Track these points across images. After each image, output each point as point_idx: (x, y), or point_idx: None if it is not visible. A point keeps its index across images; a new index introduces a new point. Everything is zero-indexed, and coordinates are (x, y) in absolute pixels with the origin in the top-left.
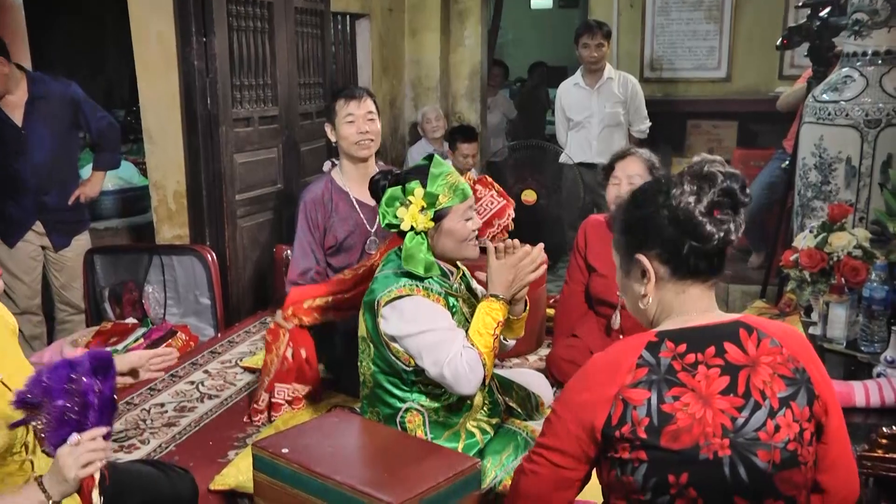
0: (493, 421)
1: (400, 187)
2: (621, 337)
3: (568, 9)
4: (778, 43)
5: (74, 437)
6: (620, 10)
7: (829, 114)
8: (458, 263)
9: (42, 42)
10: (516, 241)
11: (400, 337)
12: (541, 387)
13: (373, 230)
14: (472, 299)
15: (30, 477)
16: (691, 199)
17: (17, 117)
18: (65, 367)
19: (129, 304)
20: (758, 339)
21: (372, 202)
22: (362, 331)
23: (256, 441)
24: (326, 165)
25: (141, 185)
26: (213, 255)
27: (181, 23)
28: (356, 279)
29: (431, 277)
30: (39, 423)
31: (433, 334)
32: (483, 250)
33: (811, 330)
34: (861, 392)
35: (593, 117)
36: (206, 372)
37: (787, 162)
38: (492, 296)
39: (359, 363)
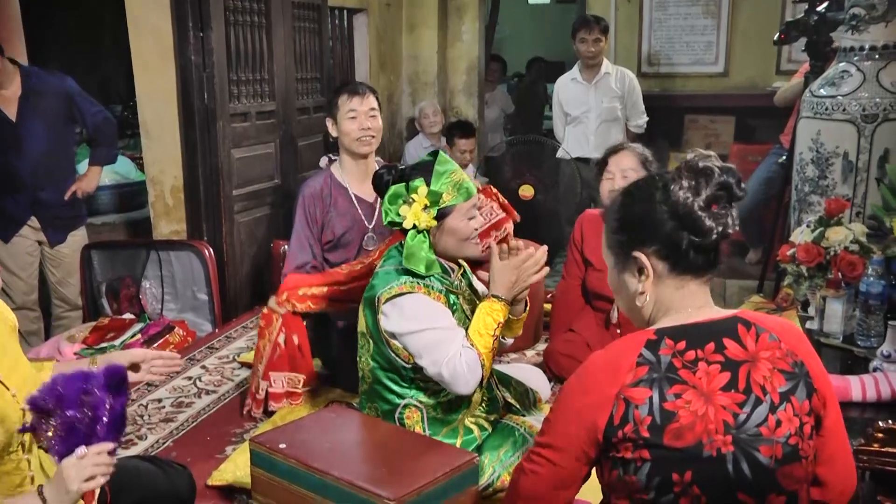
0: (492, 417)
1: (403, 185)
2: (619, 332)
3: (566, 4)
4: (775, 38)
5: (81, 449)
6: (618, 4)
7: (827, 108)
8: (460, 260)
9: (38, 37)
10: (521, 242)
11: (400, 334)
12: (539, 382)
13: (371, 226)
14: (473, 296)
15: (26, 476)
16: (690, 193)
17: (11, 112)
18: (80, 379)
19: (127, 299)
20: (756, 334)
21: (371, 198)
22: (362, 326)
23: (254, 436)
24: (323, 161)
25: (138, 181)
26: (211, 250)
27: (178, 17)
28: (353, 274)
29: (432, 275)
30: (49, 430)
31: (433, 333)
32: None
33: (808, 324)
34: (857, 386)
35: (591, 112)
36: (203, 367)
37: (784, 157)
38: (493, 296)
39: (358, 358)
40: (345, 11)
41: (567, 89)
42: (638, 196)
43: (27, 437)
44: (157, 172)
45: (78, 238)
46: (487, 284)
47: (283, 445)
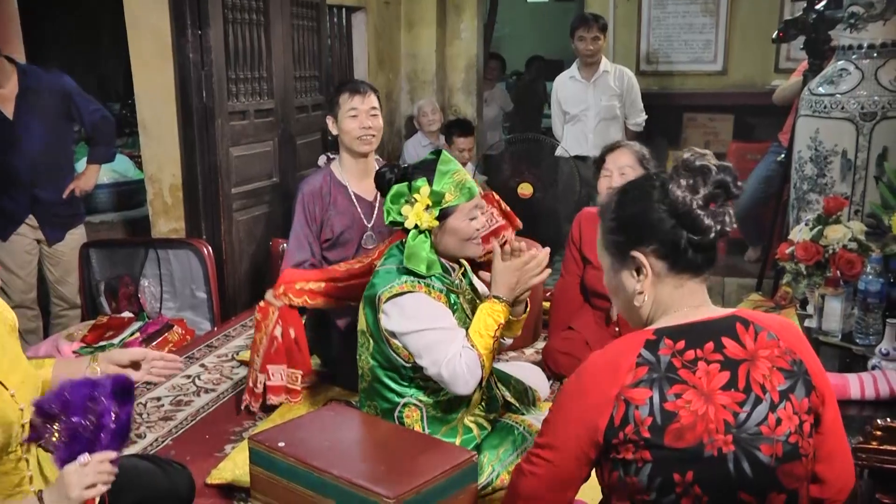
0: (491, 416)
1: (406, 184)
2: (618, 330)
3: (564, 2)
4: (774, 36)
5: (84, 457)
6: (616, 2)
7: (825, 107)
8: (460, 259)
9: (37, 35)
10: (523, 244)
11: (400, 333)
12: (538, 380)
13: (370, 225)
14: (473, 295)
15: (24, 476)
16: (688, 192)
17: (8, 110)
18: (87, 386)
19: (125, 298)
20: (755, 332)
21: (370, 197)
22: (362, 325)
23: (253, 435)
24: (321, 159)
25: (136, 179)
26: (209, 248)
27: (176, 15)
28: (351, 272)
29: (433, 275)
30: (53, 435)
31: (433, 333)
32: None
33: (807, 323)
34: (856, 384)
35: (589, 110)
36: (202, 366)
37: (782, 155)
38: (495, 297)
39: (357, 357)
40: (343, 9)
41: (566, 87)
42: (635, 196)
43: (26, 436)
44: (156, 171)
45: (76, 236)
46: (489, 285)
47: (282, 444)
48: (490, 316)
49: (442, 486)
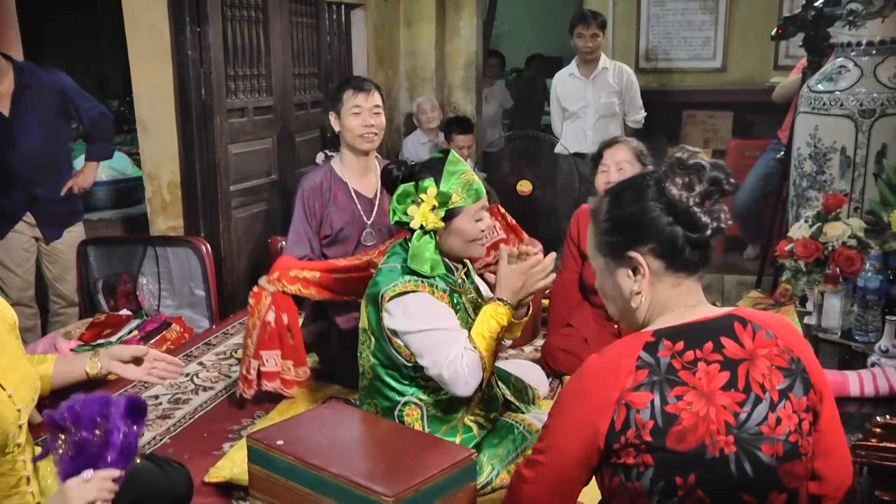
0: (491, 415)
1: (413, 184)
2: (616, 327)
3: None
4: (773, 33)
5: (88, 472)
6: (615, 0)
7: (824, 104)
8: (464, 259)
9: (35, 33)
10: (530, 247)
11: (402, 333)
12: (537, 378)
13: (369, 222)
14: (476, 295)
15: (21, 476)
16: (685, 190)
17: (5, 107)
18: (100, 402)
19: (123, 295)
20: (753, 331)
21: (370, 194)
22: (364, 323)
23: (251, 433)
24: (319, 157)
25: (135, 176)
26: (208, 246)
27: (175, 12)
28: (348, 266)
29: (436, 276)
30: (59, 448)
31: (435, 334)
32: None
33: (806, 320)
34: (855, 382)
35: (589, 107)
36: (200, 364)
37: (782, 152)
38: (499, 299)
39: (358, 354)
40: (342, 7)
41: (565, 84)
42: (629, 196)
43: (23, 437)
44: (154, 168)
45: (75, 234)
46: (493, 286)
47: (280, 442)
48: (493, 318)
49: (441, 485)
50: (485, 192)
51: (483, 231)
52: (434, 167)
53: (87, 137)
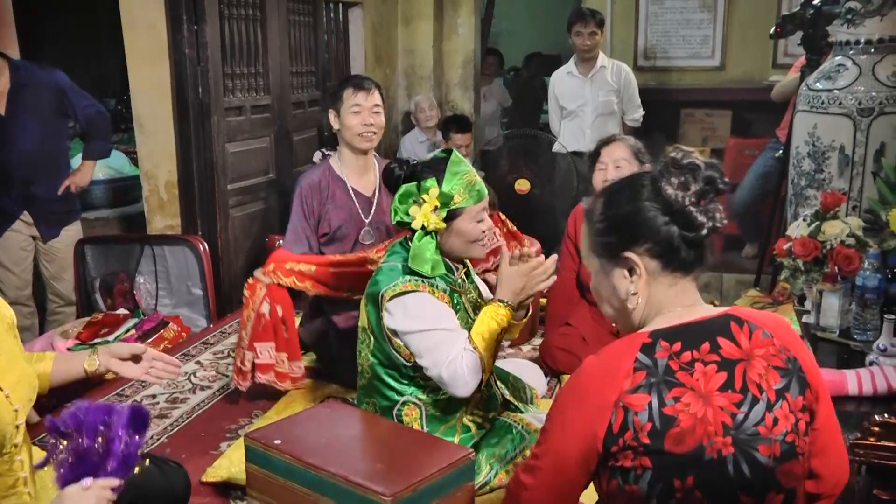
0: (490, 415)
1: (415, 184)
2: (615, 325)
3: None
4: (771, 31)
5: (87, 480)
6: None
7: (823, 102)
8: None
9: (32, 31)
10: (532, 249)
11: (402, 332)
12: (535, 377)
13: (367, 221)
14: (475, 294)
15: (19, 477)
16: (680, 189)
17: (1, 106)
18: (103, 411)
19: (121, 294)
20: (749, 331)
21: (368, 193)
22: (363, 321)
23: (249, 432)
24: (317, 156)
25: (132, 175)
26: (205, 245)
27: (172, 11)
28: (344, 262)
29: (437, 276)
30: (60, 454)
31: (435, 334)
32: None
33: (805, 318)
34: (854, 380)
35: (587, 106)
36: (198, 363)
37: (780, 151)
38: (499, 300)
39: (357, 353)
40: (340, 5)
41: (563, 83)
42: (624, 196)
43: (20, 437)
44: (151, 167)
45: (72, 233)
46: (494, 287)
47: (278, 441)
48: (493, 319)
49: (439, 484)
50: (486, 192)
51: (484, 232)
52: (436, 167)
53: (84, 136)
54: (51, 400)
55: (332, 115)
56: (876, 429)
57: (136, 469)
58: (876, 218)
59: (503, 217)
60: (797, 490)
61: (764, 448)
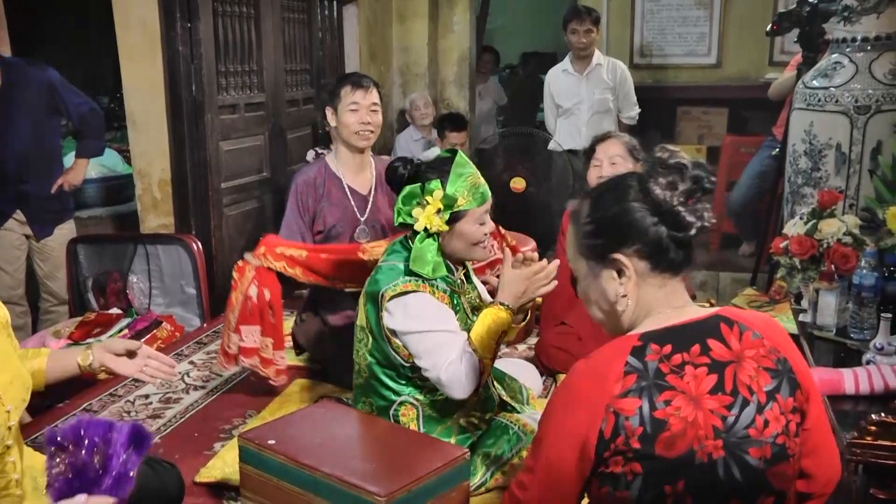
0: (486, 416)
1: (419, 185)
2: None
3: None
4: (768, 29)
5: (82, 497)
6: None
7: (819, 100)
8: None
9: (23, 28)
10: (535, 253)
11: (402, 333)
12: (530, 377)
13: (363, 219)
14: (474, 296)
15: (11, 479)
16: (669, 189)
17: None
18: (104, 427)
19: (114, 294)
20: (739, 332)
21: (364, 191)
22: (362, 321)
23: (243, 432)
24: (310, 155)
25: (125, 173)
26: (199, 244)
27: (165, 7)
28: (336, 250)
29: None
30: (55, 467)
31: (435, 335)
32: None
33: (801, 317)
34: (850, 379)
35: (582, 104)
36: (191, 363)
37: (777, 150)
38: (500, 303)
39: (355, 352)
40: (334, 2)
41: (558, 81)
42: (612, 197)
43: (13, 438)
44: (145, 165)
45: (65, 231)
46: (495, 290)
47: (272, 441)
48: (494, 321)
49: (434, 484)
50: (490, 194)
51: (486, 234)
52: (440, 168)
53: (77, 134)
54: (43, 401)
55: (329, 112)
56: (872, 428)
57: (130, 490)
58: (873, 216)
59: (503, 231)
60: (788, 491)
61: (754, 451)
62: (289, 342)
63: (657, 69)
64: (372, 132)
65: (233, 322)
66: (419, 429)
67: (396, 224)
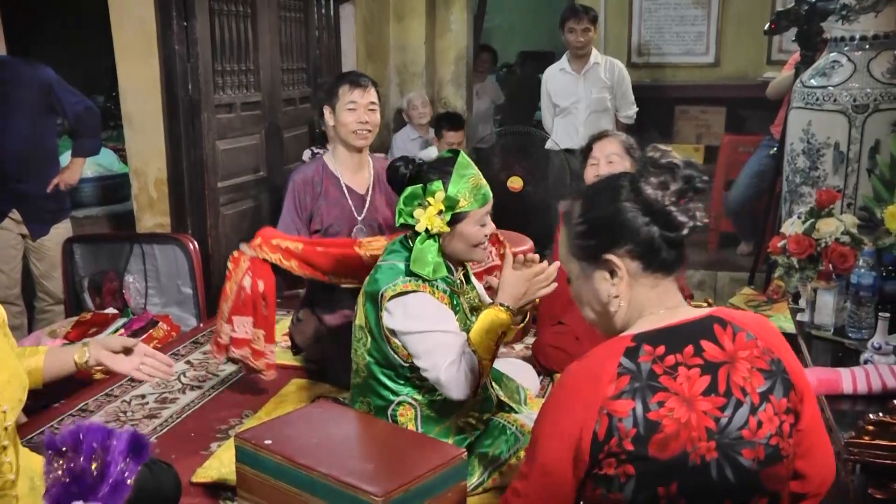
0: (485, 416)
1: (421, 186)
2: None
3: None
4: (766, 28)
5: None
6: None
7: (817, 99)
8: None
9: (19, 27)
10: (536, 255)
11: (401, 333)
12: (528, 377)
13: (360, 218)
14: (472, 296)
15: (7, 479)
16: (660, 189)
17: None
18: (103, 433)
19: (110, 293)
20: (733, 333)
21: (362, 190)
22: (361, 320)
23: (239, 432)
24: (306, 154)
25: (121, 173)
26: (195, 243)
27: (161, 6)
28: (333, 243)
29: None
30: (52, 472)
31: (435, 336)
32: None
33: (799, 317)
34: (848, 379)
35: (580, 103)
36: (188, 362)
37: (774, 149)
38: (500, 304)
39: (353, 352)
40: (331, 1)
41: (556, 80)
42: (603, 197)
43: (8, 439)
44: (141, 164)
45: (62, 231)
46: (495, 291)
47: (268, 441)
48: (494, 322)
49: (431, 484)
50: (491, 196)
51: (486, 235)
52: (442, 168)
53: (73, 133)
54: (38, 401)
55: (327, 111)
56: (870, 427)
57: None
58: (871, 215)
59: (501, 237)
60: (782, 492)
61: (748, 452)
62: (286, 342)
63: (655, 68)
64: (370, 131)
65: (226, 312)
66: (417, 429)
67: (398, 225)
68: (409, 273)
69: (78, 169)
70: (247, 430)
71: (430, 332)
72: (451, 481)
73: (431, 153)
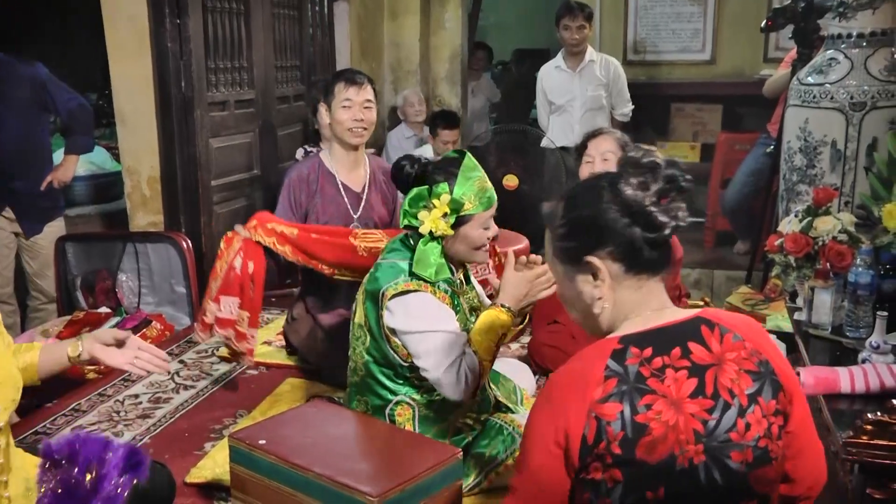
0: (482, 417)
1: (426, 187)
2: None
3: None
4: (762, 25)
5: None
6: None
7: (814, 96)
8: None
9: (12, 25)
10: (539, 257)
11: (402, 332)
12: (524, 376)
13: (356, 216)
14: (472, 296)
15: (1, 481)
16: (640, 190)
17: None
18: (100, 445)
19: (103, 292)
20: (720, 334)
21: (358, 188)
22: (360, 319)
23: (233, 432)
24: (299, 153)
25: (114, 171)
26: (189, 242)
27: (154, 4)
28: (328, 231)
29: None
30: (47, 481)
31: (436, 336)
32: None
33: (796, 315)
34: (846, 378)
35: (575, 101)
36: (181, 362)
37: (771, 147)
38: (501, 305)
39: (351, 350)
40: None
41: (551, 77)
42: (584, 199)
43: (3, 440)
44: (134, 162)
45: (55, 229)
46: (496, 292)
47: (262, 441)
48: (494, 323)
49: (426, 484)
50: (496, 198)
51: (489, 238)
52: (448, 170)
53: (66, 130)
54: (31, 401)
55: (322, 108)
56: (869, 427)
57: None
58: (868, 214)
59: (498, 249)
60: (771, 495)
61: (736, 454)
62: (280, 342)
63: (651, 66)
64: (365, 129)
65: (213, 291)
66: (415, 429)
67: (402, 225)
68: (411, 273)
69: (71, 166)
70: (241, 429)
71: (431, 331)
72: (446, 481)
73: (426, 151)
